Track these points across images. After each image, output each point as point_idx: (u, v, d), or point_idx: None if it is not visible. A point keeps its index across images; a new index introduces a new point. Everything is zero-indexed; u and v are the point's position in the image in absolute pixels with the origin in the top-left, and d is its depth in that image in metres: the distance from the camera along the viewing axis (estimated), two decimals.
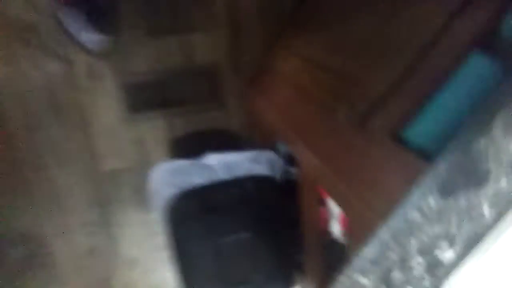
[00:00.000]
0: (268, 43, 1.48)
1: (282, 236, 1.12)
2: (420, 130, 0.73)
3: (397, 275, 0.59)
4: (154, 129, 1.55)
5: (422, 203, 0.56)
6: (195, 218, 1.08)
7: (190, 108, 1.56)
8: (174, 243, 1.09)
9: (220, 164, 1.14)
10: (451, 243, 0.58)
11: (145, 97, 1.52)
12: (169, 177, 1.15)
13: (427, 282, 0.59)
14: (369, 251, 0.61)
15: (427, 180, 0.56)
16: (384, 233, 0.58)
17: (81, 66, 1.45)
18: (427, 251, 0.58)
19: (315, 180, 0.94)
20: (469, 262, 0.59)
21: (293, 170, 1.15)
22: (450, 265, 0.59)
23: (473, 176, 0.57)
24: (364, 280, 0.60)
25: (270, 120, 1.25)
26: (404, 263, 0.58)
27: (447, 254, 0.58)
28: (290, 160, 1.17)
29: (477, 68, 0.69)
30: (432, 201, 0.56)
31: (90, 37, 1.40)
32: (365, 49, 0.92)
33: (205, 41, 1.50)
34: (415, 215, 0.57)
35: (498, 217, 0.58)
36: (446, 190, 0.56)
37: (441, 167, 0.56)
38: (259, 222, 1.09)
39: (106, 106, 1.50)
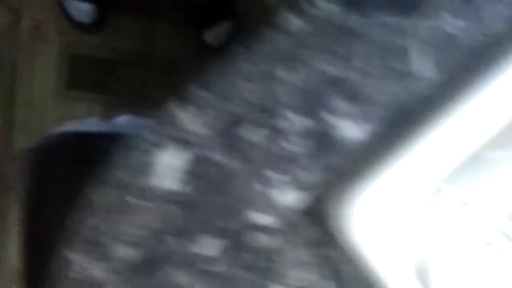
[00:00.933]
0: None
1: None
2: None
3: (249, 135, 0.33)
4: (87, 113, 1.33)
5: None
6: (61, 165, 0.82)
7: (134, 104, 1.35)
8: (27, 194, 0.82)
9: (128, 123, 0.91)
10: (351, 99, 0.33)
11: (88, 75, 1.33)
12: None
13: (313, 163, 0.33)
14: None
15: None
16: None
17: (27, 21, 1.29)
18: (313, 108, 0.33)
19: None
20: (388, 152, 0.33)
21: None
22: (350, 143, 0.33)
23: None
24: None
25: None
26: (270, 118, 0.33)
27: (347, 125, 0.33)
28: None
29: None
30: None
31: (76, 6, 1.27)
32: None
33: (172, 33, 1.35)
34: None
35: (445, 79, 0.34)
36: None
37: None
38: None
39: (42, 73, 1.31)
